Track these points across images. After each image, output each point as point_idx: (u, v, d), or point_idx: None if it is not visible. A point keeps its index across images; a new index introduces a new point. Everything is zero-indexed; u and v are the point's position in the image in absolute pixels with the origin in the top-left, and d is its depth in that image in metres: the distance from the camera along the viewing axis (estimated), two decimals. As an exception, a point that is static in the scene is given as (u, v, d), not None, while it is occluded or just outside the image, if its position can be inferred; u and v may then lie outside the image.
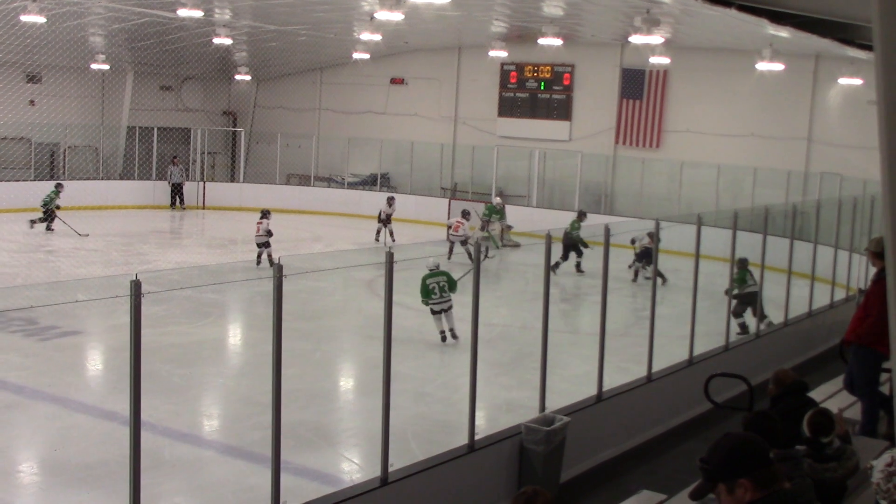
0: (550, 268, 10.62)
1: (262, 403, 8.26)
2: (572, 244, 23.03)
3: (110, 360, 14.70)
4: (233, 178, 37.02)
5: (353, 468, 10.29)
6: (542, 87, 31.46)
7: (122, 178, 34.05)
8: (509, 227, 27.25)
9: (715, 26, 22.46)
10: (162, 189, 33.23)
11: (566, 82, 31.06)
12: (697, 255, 13.62)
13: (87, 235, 25.20)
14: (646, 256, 22.08)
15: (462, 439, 9.47)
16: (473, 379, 9.45)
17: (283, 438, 7.65)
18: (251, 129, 38.04)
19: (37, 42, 27.65)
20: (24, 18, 22.86)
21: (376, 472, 8.58)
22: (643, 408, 12.08)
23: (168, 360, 13.82)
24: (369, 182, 34.59)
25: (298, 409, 11.54)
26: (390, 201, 27.13)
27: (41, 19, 22.95)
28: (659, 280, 15.63)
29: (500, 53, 29.71)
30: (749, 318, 16.25)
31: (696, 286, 13.44)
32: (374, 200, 31.81)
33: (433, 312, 16.02)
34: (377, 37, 25.61)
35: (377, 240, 26.79)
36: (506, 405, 12.40)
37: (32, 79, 32.03)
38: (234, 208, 33.58)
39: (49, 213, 26.73)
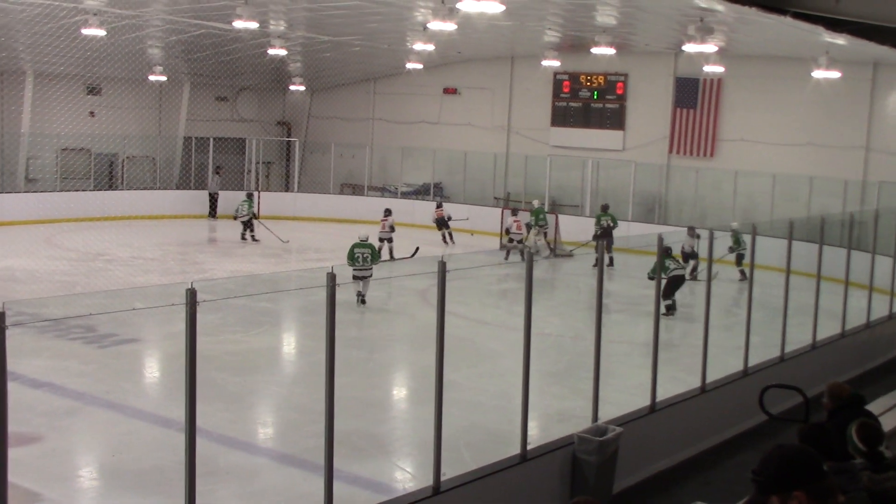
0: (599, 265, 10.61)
1: (315, 411, 8.32)
2: (606, 233, 25.15)
3: (167, 367, 14.89)
4: (287, 188, 37.32)
5: (406, 477, 10.33)
6: (595, 97, 31.37)
7: (178, 188, 34.47)
8: (544, 233, 27.47)
9: (770, 34, 22.26)
10: (221, 199, 33.60)
11: (619, 91, 30.95)
12: (752, 265, 13.50)
13: (288, 241, 25.56)
14: (693, 258, 22.27)
15: (514, 449, 9.47)
16: (526, 388, 9.45)
17: (336, 447, 7.71)
18: (305, 139, 38.35)
19: (97, 55, 28.18)
20: (86, 32, 23.28)
21: (428, 481, 8.61)
22: (697, 419, 11.99)
23: (223, 367, 13.96)
24: (422, 192, 34.70)
25: (352, 418, 11.60)
26: (439, 204, 27.95)
27: (101, 32, 23.35)
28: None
29: (552, 63, 29.68)
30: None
31: (751, 296, 13.33)
32: (428, 210, 31.95)
33: (354, 278, 18.56)
34: (430, 47, 25.73)
35: (445, 243, 27.95)
36: (558, 415, 12.37)
37: (93, 91, 32.59)
38: (289, 217, 33.82)
39: (248, 223, 28.22)
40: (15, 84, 30.59)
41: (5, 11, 22.98)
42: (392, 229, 25.56)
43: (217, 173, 33.55)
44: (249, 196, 29.60)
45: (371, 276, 19.01)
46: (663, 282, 16.90)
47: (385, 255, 24.86)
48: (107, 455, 10.82)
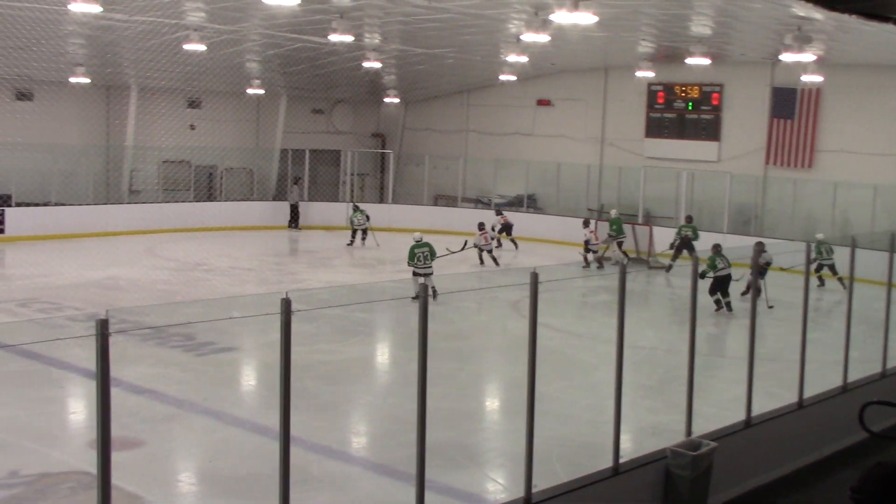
0: (666, 268, 10.52)
1: (408, 422, 8.40)
2: (685, 243, 25.44)
3: (263, 375, 15.15)
4: (381, 199, 37.67)
5: (498, 488, 10.35)
6: (690, 108, 31.04)
7: (275, 200, 35.04)
8: (619, 243, 27.55)
9: (871, 42, 21.81)
10: (316, 210, 34.10)
11: (715, 102, 30.57)
12: (852, 278, 13.23)
13: (379, 246, 26.71)
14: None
15: (607, 462, 9.43)
16: (618, 401, 9.41)
17: (428, 457, 7.77)
18: (400, 151, 38.66)
19: (197, 69, 28.88)
20: (187, 47, 23.87)
21: (520, 492, 8.62)
22: (794, 434, 11.77)
23: (318, 377, 14.15)
24: (516, 203, 34.70)
25: (444, 428, 11.65)
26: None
27: (202, 47, 23.91)
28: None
29: (647, 74, 29.47)
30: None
31: (851, 310, 13.05)
32: (521, 221, 31.95)
33: (415, 274, 20.14)
34: (524, 59, 25.78)
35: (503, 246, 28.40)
36: (651, 428, 12.26)
37: (193, 104, 33.36)
38: (383, 229, 34.11)
39: (364, 230, 29.91)
40: (120, 98, 31.48)
41: (112, 29, 23.68)
42: (493, 239, 27.05)
43: (296, 184, 33.97)
44: (357, 207, 30.93)
45: (432, 272, 20.32)
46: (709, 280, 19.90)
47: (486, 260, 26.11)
48: (205, 461, 11.05)
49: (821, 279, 23.36)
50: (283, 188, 35.52)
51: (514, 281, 18.54)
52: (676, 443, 9.85)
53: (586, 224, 27.22)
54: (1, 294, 20.19)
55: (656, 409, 13.30)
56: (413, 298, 19.26)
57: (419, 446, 7.70)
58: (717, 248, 20.76)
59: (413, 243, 20.70)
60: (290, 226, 33.63)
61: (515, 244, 29.97)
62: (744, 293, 20.52)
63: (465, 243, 25.66)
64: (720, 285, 20.41)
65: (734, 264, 20.77)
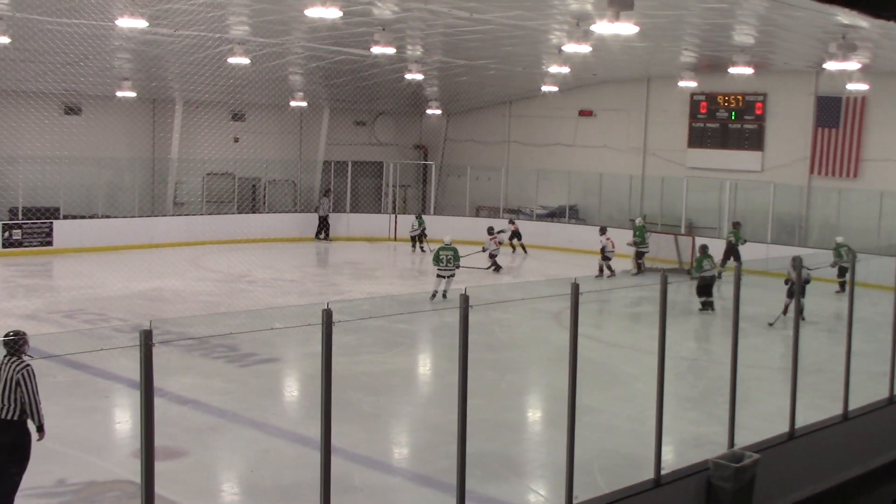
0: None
1: (449, 432, 8.42)
2: (731, 250, 26.08)
3: (305, 386, 15.22)
4: (423, 211, 37.73)
5: (539, 500, 10.35)
6: (734, 117, 30.84)
7: (317, 211, 35.23)
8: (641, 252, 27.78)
9: (918, 50, 21.58)
10: (358, 221, 34.25)
11: (758, 112, 30.35)
12: (897, 289, 13.08)
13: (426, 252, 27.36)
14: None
15: (648, 473, 9.40)
16: (660, 412, 9.38)
17: (469, 468, 7.79)
18: (442, 162, 38.76)
19: (241, 82, 29.15)
20: (231, 61, 24.12)
21: (561, 503, 8.61)
22: (839, 447, 11.64)
23: (359, 387, 14.21)
24: (558, 214, 34.64)
25: (485, 440, 11.67)
26: (510, 221, 29.51)
27: (246, 61, 24.15)
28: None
29: (689, 83, 29.33)
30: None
31: (897, 321, 12.91)
32: (564, 233, 31.95)
33: (438, 276, 22.13)
34: (565, 69, 25.77)
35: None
36: (693, 440, 12.19)
37: (237, 117, 33.68)
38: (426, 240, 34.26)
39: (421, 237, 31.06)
40: (165, 112, 31.85)
41: (158, 43, 23.98)
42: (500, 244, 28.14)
43: (326, 196, 34.08)
44: (419, 216, 32.47)
45: (453, 276, 22.11)
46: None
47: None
48: (247, 471, 11.13)
49: (842, 286, 23.16)
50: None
51: (555, 292, 18.47)
52: (719, 454, 9.79)
53: (603, 231, 27.48)
54: (48, 305, 20.48)
55: (698, 420, 13.22)
56: (431, 297, 21.60)
57: (460, 457, 7.72)
58: (703, 250, 22.33)
59: (441, 245, 22.50)
60: (317, 237, 33.78)
61: (525, 250, 31.48)
62: (784, 312, 20.32)
63: (483, 249, 27.12)
64: (705, 287, 21.58)
65: (779, 274, 20.63)
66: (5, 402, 8.93)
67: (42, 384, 13.90)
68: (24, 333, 9.34)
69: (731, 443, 10.18)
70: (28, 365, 9.02)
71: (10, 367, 8.99)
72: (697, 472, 9.65)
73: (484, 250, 27.42)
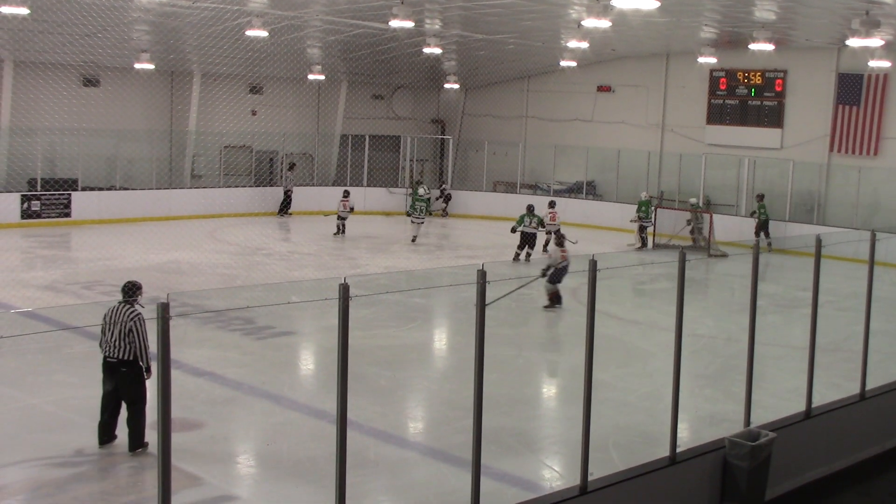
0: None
1: (465, 407, 8.43)
2: (762, 226, 26.72)
3: (321, 360, 15.27)
4: (440, 185, 37.69)
5: (554, 476, 10.35)
6: (753, 94, 30.63)
7: (334, 185, 35.24)
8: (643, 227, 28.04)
9: (942, 27, 21.34)
10: (374, 196, 34.25)
11: (778, 88, 30.13)
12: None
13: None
14: None
15: (663, 451, 9.39)
16: (676, 390, 9.35)
17: (484, 443, 7.79)
18: (459, 137, 38.68)
19: (259, 55, 29.11)
20: (249, 33, 24.06)
21: (576, 480, 8.62)
22: (856, 426, 11.60)
23: (375, 362, 14.24)
24: (575, 189, 34.55)
25: (500, 415, 11.69)
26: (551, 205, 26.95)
27: (264, 34, 24.09)
28: None
29: (709, 59, 29.10)
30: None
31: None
32: (581, 209, 31.84)
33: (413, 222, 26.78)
34: (584, 44, 25.61)
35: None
36: (709, 418, 12.18)
37: (255, 90, 33.67)
38: (442, 215, 34.24)
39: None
40: (183, 84, 31.86)
41: (176, 15, 23.94)
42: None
43: (290, 170, 33.34)
44: (443, 190, 33.28)
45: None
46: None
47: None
48: (263, 443, 11.17)
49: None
50: (343, 174, 35.72)
51: (573, 268, 18.46)
52: (735, 433, 9.77)
53: (552, 205, 26.59)
54: (67, 276, 20.58)
55: (714, 398, 13.20)
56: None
57: (475, 432, 7.72)
58: (530, 209, 24.59)
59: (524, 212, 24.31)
60: (280, 213, 32.53)
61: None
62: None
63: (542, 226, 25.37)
64: (528, 241, 24.29)
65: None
66: (120, 344, 10.17)
67: (60, 355, 14.06)
68: (140, 284, 10.49)
69: (748, 421, 10.15)
70: (139, 312, 10.21)
71: (124, 313, 10.21)
72: (713, 450, 9.63)
73: (542, 226, 25.38)
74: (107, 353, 10.31)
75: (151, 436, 10.20)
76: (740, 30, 25.66)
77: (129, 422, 10.31)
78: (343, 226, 28.78)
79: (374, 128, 36.53)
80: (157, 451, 6.28)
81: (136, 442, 10.28)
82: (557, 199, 28.43)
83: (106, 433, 10.43)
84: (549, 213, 25.75)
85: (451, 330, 18.22)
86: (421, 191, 30.09)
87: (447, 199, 34.64)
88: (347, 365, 6.97)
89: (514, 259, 24.26)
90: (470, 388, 7.75)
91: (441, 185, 35.51)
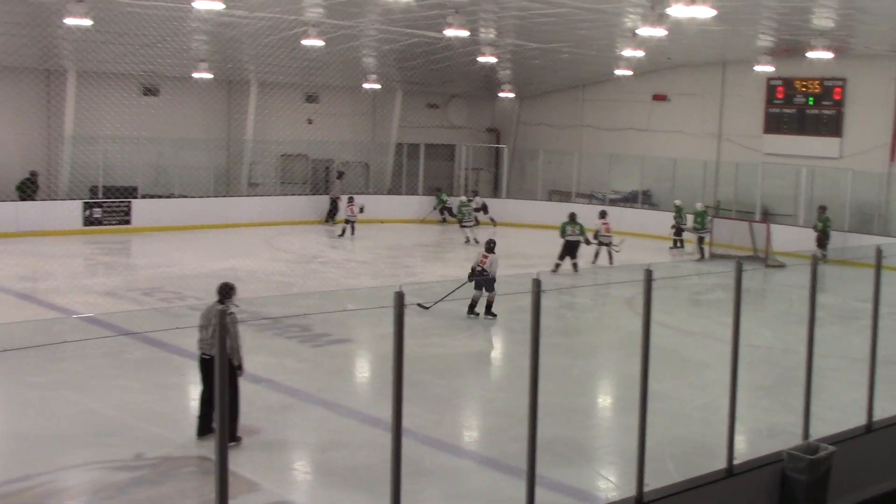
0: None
1: (519, 416, 8.42)
2: (825, 238, 26.20)
3: (377, 367, 15.34)
4: (495, 194, 37.71)
5: (609, 486, 10.30)
6: (811, 102, 30.27)
7: (389, 193, 35.41)
8: (701, 237, 27.69)
9: None
10: (430, 204, 34.35)
11: (837, 97, 29.75)
12: None
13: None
14: None
15: (720, 463, 9.31)
16: (733, 401, 9.28)
17: (539, 452, 7.79)
18: (514, 146, 38.66)
19: (315, 64, 29.37)
20: (305, 43, 24.28)
21: (631, 491, 8.57)
22: (919, 441, 11.40)
23: (430, 370, 14.27)
24: (630, 199, 34.38)
25: (555, 424, 11.65)
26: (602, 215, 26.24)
27: (320, 43, 24.31)
28: None
29: (766, 68, 28.84)
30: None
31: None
32: (636, 218, 31.68)
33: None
34: (640, 53, 25.52)
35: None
36: (767, 430, 12.05)
37: (311, 99, 33.94)
38: (496, 223, 34.23)
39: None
40: (241, 93, 32.22)
41: (234, 25, 24.24)
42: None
43: (339, 178, 33.49)
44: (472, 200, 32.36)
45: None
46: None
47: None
48: (318, 451, 11.24)
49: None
50: (398, 182, 35.87)
51: (628, 278, 18.38)
52: (793, 446, 9.67)
53: (602, 216, 26.08)
54: (127, 282, 20.88)
55: (772, 409, 13.06)
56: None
57: (530, 441, 7.72)
58: (572, 217, 23.95)
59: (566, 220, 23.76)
60: (326, 220, 32.66)
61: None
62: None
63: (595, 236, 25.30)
64: (571, 250, 23.58)
65: None
66: (213, 342, 10.37)
67: (120, 360, 14.27)
68: (233, 285, 11.01)
69: (806, 434, 10.04)
70: (232, 312, 10.53)
71: (217, 313, 10.09)
72: (771, 462, 9.53)
73: (596, 237, 25.26)
74: (202, 351, 10.91)
75: (209, 441, 10.32)
76: (798, 38, 25.40)
77: None
78: (353, 227, 29.81)
79: (428, 136, 36.65)
80: (215, 457, 6.36)
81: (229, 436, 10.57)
82: (612, 209, 28.31)
83: (204, 426, 10.88)
84: (604, 224, 25.49)
85: (506, 339, 18.20)
86: (444, 197, 31.93)
87: (483, 208, 33.92)
88: (402, 373, 7.01)
89: (553, 270, 23.47)
90: (525, 396, 7.75)
91: (473, 194, 34.52)
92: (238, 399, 10.80)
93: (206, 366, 10.91)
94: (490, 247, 18.75)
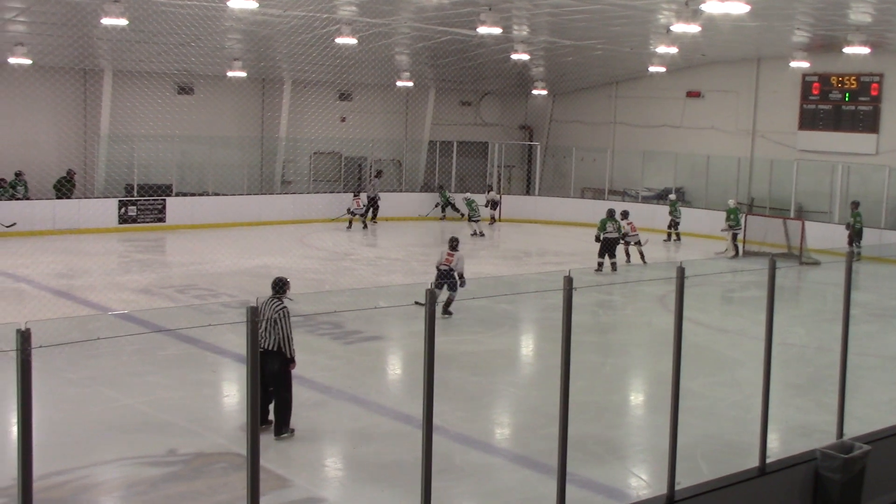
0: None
1: (550, 414, 8.42)
2: (856, 234, 25.77)
3: (408, 364, 15.35)
4: (528, 191, 37.67)
5: (640, 484, 10.27)
6: (847, 99, 29.98)
7: (422, 191, 35.46)
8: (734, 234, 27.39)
9: None
10: (460, 202, 34.34)
11: (874, 93, 29.45)
12: None
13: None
14: None
15: (753, 461, 9.26)
16: (766, 399, 9.22)
17: (570, 450, 7.77)
18: (547, 143, 38.58)
19: (348, 62, 29.44)
20: (339, 41, 24.35)
21: (663, 489, 8.54)
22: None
23: (461, 367, 14.28)
24: (663, 196, 34.21)
25: (586, 422, 11.64)
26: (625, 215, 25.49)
27: (353, 41, 24.35)
28: None
29: (801, 64, 28.60)
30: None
31: None
32: (667, 215, 31.50)
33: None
34: (673, 50, 25.38)
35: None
36: (800, 429, 11.97)
37: (344, 97, 34.03)
38: (529, 220, 34.19)
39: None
40: (274, 92, 32.38)
41: (267, 24, 24.34)
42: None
43: (377, 177, 33.53)
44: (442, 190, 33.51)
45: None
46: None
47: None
48: (350, 447, 11.29)
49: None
50: (430, 180, 35.90)
51: (660, 275, 18.32)
52: (827, 444, 9.59)
53: (625, 216, 25.21)
54: (161, 280, 21.05)
55: (806, 408, 12.97)
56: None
57: (561, 439, 7.71)
58: (610, 213, 24.01)
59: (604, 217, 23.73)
60: (364, 218, 32.12)
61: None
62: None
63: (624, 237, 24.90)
64: (610, 248, 23.48)
65: None
66: (266, 335, 10.89)
67: (154, 357, 14.39)
68: (287, 280, 11.49)
69: (840, 433, 9.96)
70: (285, 306, 11.05)
71: (271, 307, 11.04)
72: (804, 461, 9.46)
73: (624, 238, 24.69)
74: None
75: (241, 437, 10.39)
76: (834, 33, 25.17)
77: (275, 409, 11.05)
78: (362, 221, 30.93)
79: (461, 134, 36.66)
80: (247, 452, 6.40)
81: (282, 427, 11.02)
82: (645, 207, 28.17)
83: (260, 417, 10.95)
84: (628, 224, 25.23)
85: (538, 336, 18.18)
86: (447, 194, 32.74)
87: (494, 205, 33.92)
88: (434, 370, 7.02)
89: (597, 269, 23.30)
90: (556, 394, 7.75)
91: (489, 188, 34.77)
92: (291, 390, 11.13)
93: (260, 358, 10.97)
94: (454, 245, 18.38)
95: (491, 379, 14.50)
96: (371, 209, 32.51)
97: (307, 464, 10.58)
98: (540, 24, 26.08)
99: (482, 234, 30.25)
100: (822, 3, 21.69)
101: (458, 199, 33.66)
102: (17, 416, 5.51)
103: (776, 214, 29.14)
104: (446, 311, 17.78)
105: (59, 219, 27.07)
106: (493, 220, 33.57)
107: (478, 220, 30.98)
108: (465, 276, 17.92)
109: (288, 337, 11.00)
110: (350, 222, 30.85)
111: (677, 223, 30.21)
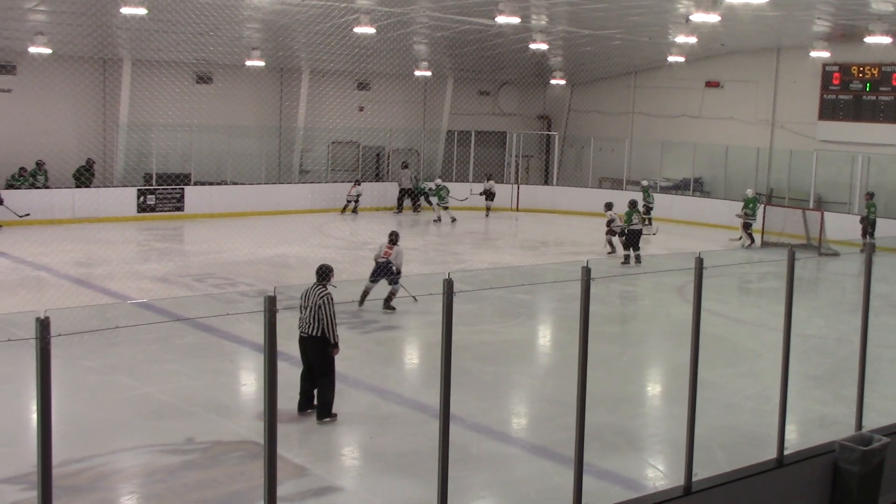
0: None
1: (568, 404, 8.41)
2: (870, 225, 25.80)
3: (425, 354, 15.37)
4: (546, 181, 37.62)
5: (657, 475, 10.25)
6: (868, 89, 29.77)
7: (441, 180, 35.41)
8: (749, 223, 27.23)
9: None
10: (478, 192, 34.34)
11: (895, 83, 29.25)
12: None
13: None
14: None
15: (770, 453, 9.24)
16: (784, 391, 9.19)
17: (587, 440, 7.77)
18: (565, 133, 38.49)
19: (367, 52, 29.41)
20: (357, 30, 24.34)
21: (680, 480, 8.54)
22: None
23: (479, 357, 14.28)
24: (682, 186, 34.10)
25: (604, 412, 11.62)
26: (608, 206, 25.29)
27: (371, 30, 24.34)
28: None
29: (822, 54, 28.42)
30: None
31: None
32: (688, 206, 31.47)
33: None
34: (692, 39, 25.28)
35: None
36: (819, 420, 11.92)
37: (362, 86, 34.03)
38: (547, 210, 34.15)
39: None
40: (292, 81, 32.41)
41: (286, 13, 24.36)
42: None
43: (406, 168, 33.55)
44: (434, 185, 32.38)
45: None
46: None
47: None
48: (367, 436, 11.31)
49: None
50: (448, 169, 35.87)
51: (679, 266, 18.22)
52: (846, 436, 9.55)
53: (609, 207, 25.05)
54: (179, 268, 21.12)
55: (824, 400, 12.91)
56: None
57: (578, 429, 7.71)
58: (632, 204, 23.63)
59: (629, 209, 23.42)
60: (399, 210, 33.06)
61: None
62: None
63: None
64: (634, 239, 23.15)
65: None
66: (310, 321, 11.19)
67: (173, 345, 14.45)
68: (331, 267, 11.73)
69: (859, 425, 9.91)
70: (329, 293, 11.25)
71: (316, 293, 11.27)
72: (823, 453, 9.42)
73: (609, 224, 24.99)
74: (301, 330, 11.37)
75: (258, 425, 10.41)
76: (855, 23, 25.02)
77: (318, 394, 11.35)
78: (355, 207, 31.59)
79: (479, 124, 36.62)
80: (264, 441, 6.41)
81: (324, 412, 11.27)
82: (663, 196, 28.02)
83: (305, 402, 11.48)
84: (616, 213, 24.92)
85: (555, 326, 18.17)
86: (422, 185, 32.60)
87: (490, 195, 33.29)
88: (451, 359, 7.02)
89: (623, 262, 23.18)
90: (573, 384, 7.74)
91: (487, 178, 34.28)
92: (334, 375, 11.39)
93: (304, 344, 11.40)
94: (393, 239, 17.93)
95: (508, 369, 14.49)
96: (409, 199, 33.16)
97: (324, 453, 10.61)
98: (558, 14, 26.01)
99: (441, 220, 30.49)
100: (843, -7, 21.58)
101: (430, 186, 32.69)
102: (37, 403, 5.54)
103: (795, 205, 28.98)
104: (388, 306, 17.34)
105: (79, 208, 27.20)
106: (488, 210, 33.11)
107: (446, 208, 30.88)
108: (402, 271, 17.46)
109: (331, 322, 11.20)
110: (345, 208, 31.34)
111: (650, 209, 30.10)
